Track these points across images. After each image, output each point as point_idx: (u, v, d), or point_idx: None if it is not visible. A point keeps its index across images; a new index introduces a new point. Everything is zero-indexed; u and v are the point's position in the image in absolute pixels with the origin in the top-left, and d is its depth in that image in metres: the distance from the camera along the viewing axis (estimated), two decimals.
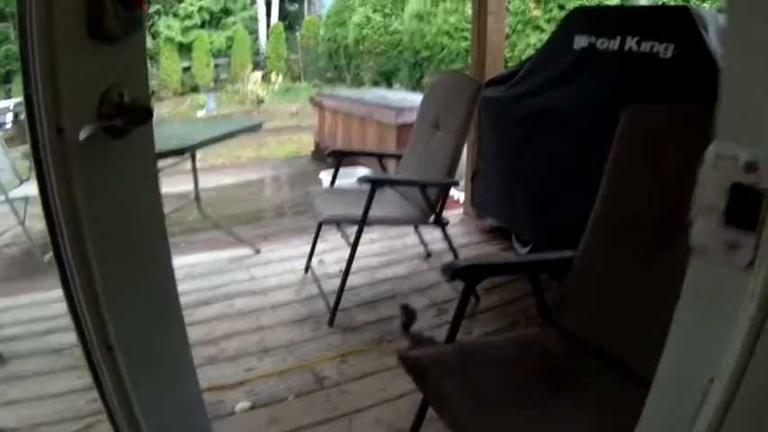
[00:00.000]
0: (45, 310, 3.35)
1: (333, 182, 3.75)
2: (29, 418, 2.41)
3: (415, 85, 13.77)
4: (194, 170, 4.18)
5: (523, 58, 8.80)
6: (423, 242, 4.00)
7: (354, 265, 3.18)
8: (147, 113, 1.27)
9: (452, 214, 4.58)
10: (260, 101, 16.16)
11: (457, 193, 5.04)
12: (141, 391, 1.42)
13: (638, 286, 1.75)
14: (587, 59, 3.16)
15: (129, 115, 1.22)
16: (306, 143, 9.61)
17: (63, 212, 1.20)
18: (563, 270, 1.97)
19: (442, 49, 13.33)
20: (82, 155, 1.17)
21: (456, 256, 3.37)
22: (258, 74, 17.55)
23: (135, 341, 1.40)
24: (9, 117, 7.39)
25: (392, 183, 3.60)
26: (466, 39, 11.85)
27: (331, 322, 3.09)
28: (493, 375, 1.74)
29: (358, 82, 16.46)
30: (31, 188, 4.78)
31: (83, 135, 1.13)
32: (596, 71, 3.11)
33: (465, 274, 1.85)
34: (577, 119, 3.12)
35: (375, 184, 3.01)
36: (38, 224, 4.92)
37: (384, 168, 4.05)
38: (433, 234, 3.95)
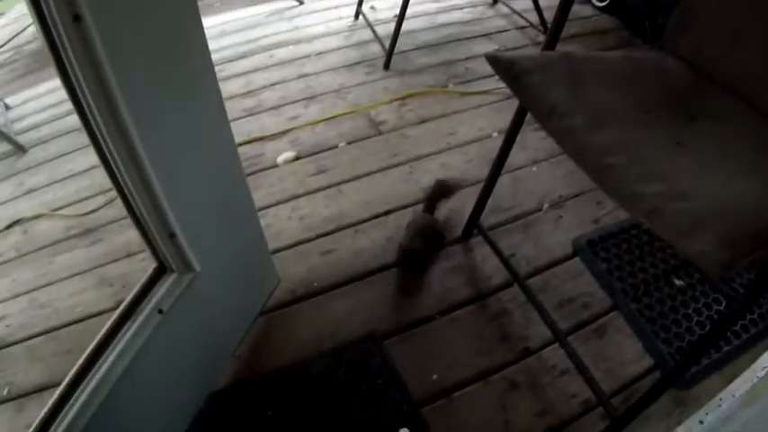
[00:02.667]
0: (64, 93, 2.91)
1: None
2: (50, 203, 2.08)
3: None
4: None
5: None
6: None
7: (410, 10, 2.54)
8: None
9: None
10: None
11: None
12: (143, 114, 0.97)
13: None
14: None
15: None
16: None
17: None
18: None
19: None
20: None
21: None
22: None
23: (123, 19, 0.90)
24: None
25: None
26: None
27: (387, 65, 2.55)
28: (610, 90, 1.24)
29: None
30: None
31: None
32: None
33: None
34: None
35: None
36: None
37: None
38: None
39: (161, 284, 1.20)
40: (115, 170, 1.01)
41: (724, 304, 1.62)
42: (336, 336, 1.55)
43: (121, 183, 1.03)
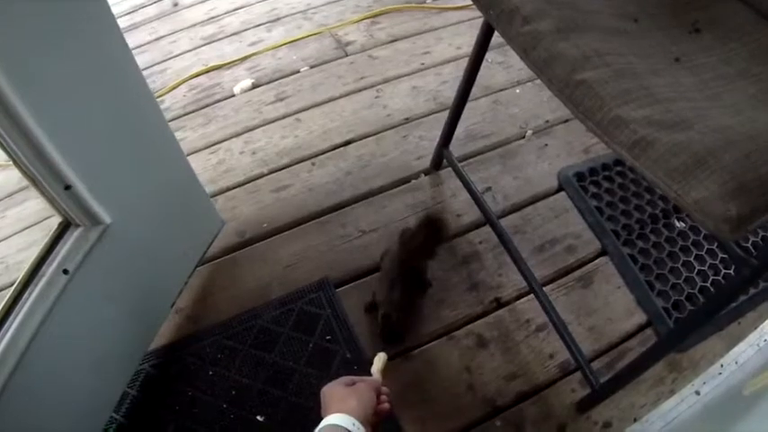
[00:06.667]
0: None
1: None
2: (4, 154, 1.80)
3: None
4: None
5: None
6: None
7: None
8: None
9: None
10: None
11: None
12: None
13: None
14: None
15: None
16: None
17: None
18: None
19: None
20: None
21: None
22: None
23: None
24: None
25: None
26: None
27: None
28: None
29: None
30: None
31: None
32: None
33: None
34: None
35: None
36: None
37: None
38: None
39: (64, 242, 0.98)
40: None
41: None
42: (285, 283, 1.30)
43: None
